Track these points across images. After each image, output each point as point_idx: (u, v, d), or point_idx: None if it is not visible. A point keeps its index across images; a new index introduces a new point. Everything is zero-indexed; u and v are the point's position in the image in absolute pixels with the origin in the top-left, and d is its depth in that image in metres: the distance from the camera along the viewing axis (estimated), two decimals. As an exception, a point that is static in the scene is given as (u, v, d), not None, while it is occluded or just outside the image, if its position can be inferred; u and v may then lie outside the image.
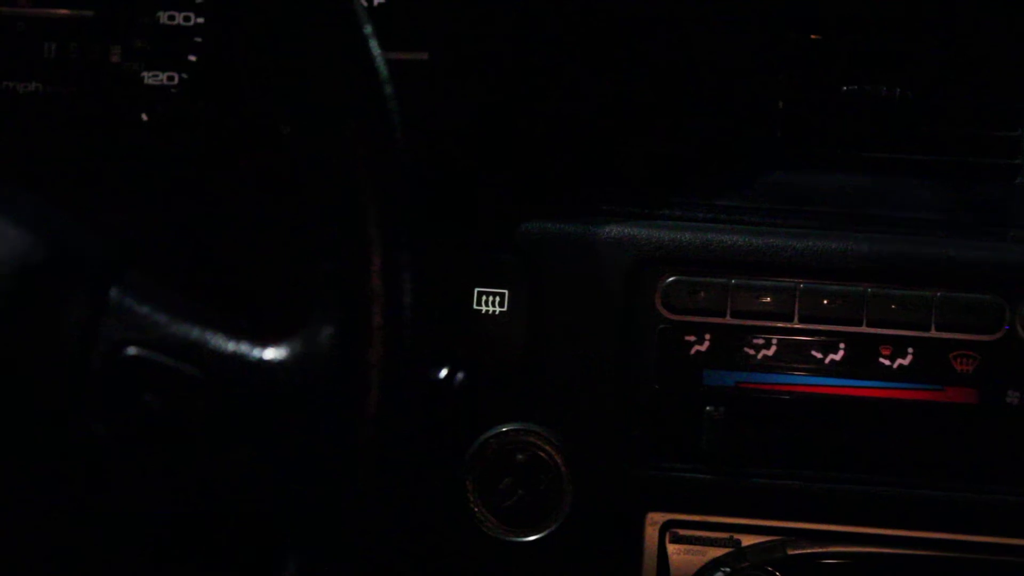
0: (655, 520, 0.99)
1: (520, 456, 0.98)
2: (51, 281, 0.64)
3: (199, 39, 0.96)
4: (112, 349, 0.64)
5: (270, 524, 0.65)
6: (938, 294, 0.94)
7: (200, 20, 0.96)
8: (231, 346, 0.64)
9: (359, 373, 0.61)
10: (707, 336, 0.96)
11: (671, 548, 0.99)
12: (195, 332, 0.64)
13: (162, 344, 0.64)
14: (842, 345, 0.95)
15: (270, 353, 0.63)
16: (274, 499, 0.64)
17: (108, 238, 0.67)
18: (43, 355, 0.63)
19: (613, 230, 0.97)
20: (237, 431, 0.63)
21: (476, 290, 0.98)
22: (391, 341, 0.62)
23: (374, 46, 0.64)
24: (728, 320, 0.96)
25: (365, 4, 0.97)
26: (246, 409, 0.63)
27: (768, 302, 0.95)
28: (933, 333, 0.94)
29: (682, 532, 0.99)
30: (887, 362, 0.95)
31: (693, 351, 0.96)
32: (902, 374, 0.95)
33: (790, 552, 0.98)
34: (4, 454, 0.63)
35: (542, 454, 0.98)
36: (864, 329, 0.95)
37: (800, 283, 0.95)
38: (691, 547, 0.99)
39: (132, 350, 0.64)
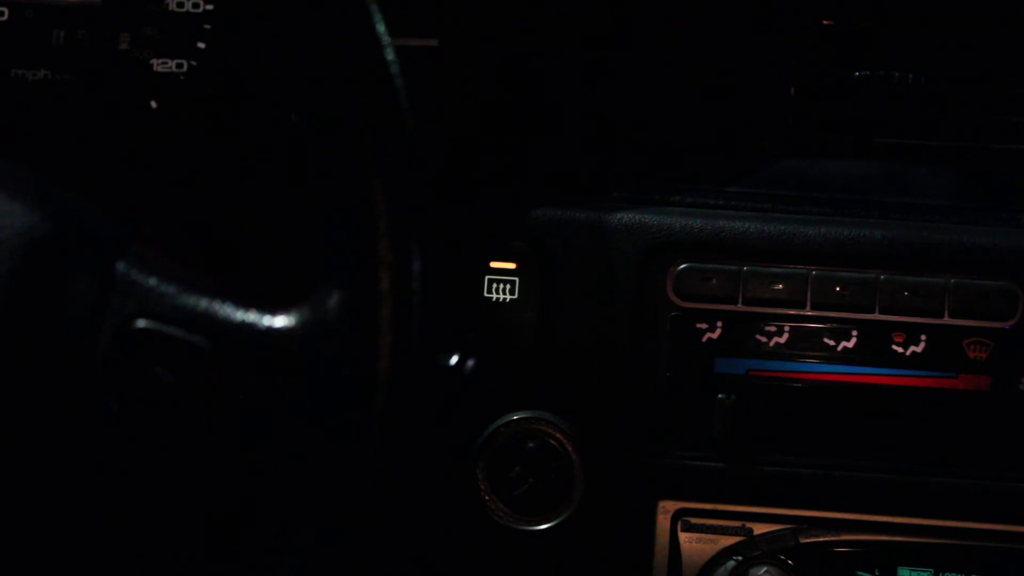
0: (667, 508, 0.99)
1: (531, 444, 0.98)
2: (58, 256, 0.63)
3: (208, 26, 0.96)
4: (121, 323, 0.64)
5: (280, 504, 0.64)
6: (951, 281, 0.94)
7: (209, 7, 0.96)
8: (240, 315, 0.63)
9: (367, 339, 0.61)
10: (718, 323, 0.96)
11: (683, 537, 0.99)
12: (204, 303, 0.64)
13: (171, 316, 0.63)
14: (854, 332, 0.95)
15: (279, 321, 0.63)
16: (285, 470, 0.64)
17: (114, 213, 0.67)
18: (52, 331, 0.63)
19: (624, 216, 0.97)
20: (248, 400, 0.63)
21: (487, 277, 0.98)
22: (399, 306, 0.61)
23: (383, 33, 0.64)
24: (740, 307, 0.95)
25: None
26: (256, 378, 0.63)
27: (780, 289, 0.95)
28: (946, 320, 0.94)
29: (694, 520, 0.98)
30: (900, 349, 0.95)
31: (704, 338, 0.96)
32: (915, 361, 0.95)
33: (802, 540, 0.98)
34: (16, 436, 0.63)
35: (553, 442, 0.97)
36: (877, 316, 0.94)
37: (812, 270, 0.95)
38: (703, 535, 0.98)
39: (141, 323, 0.63)
